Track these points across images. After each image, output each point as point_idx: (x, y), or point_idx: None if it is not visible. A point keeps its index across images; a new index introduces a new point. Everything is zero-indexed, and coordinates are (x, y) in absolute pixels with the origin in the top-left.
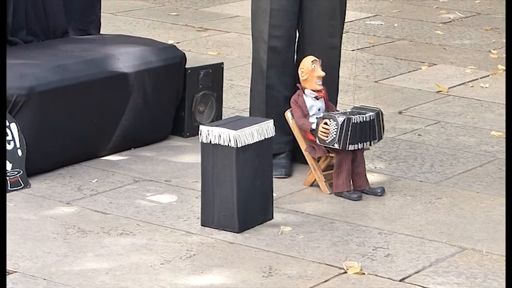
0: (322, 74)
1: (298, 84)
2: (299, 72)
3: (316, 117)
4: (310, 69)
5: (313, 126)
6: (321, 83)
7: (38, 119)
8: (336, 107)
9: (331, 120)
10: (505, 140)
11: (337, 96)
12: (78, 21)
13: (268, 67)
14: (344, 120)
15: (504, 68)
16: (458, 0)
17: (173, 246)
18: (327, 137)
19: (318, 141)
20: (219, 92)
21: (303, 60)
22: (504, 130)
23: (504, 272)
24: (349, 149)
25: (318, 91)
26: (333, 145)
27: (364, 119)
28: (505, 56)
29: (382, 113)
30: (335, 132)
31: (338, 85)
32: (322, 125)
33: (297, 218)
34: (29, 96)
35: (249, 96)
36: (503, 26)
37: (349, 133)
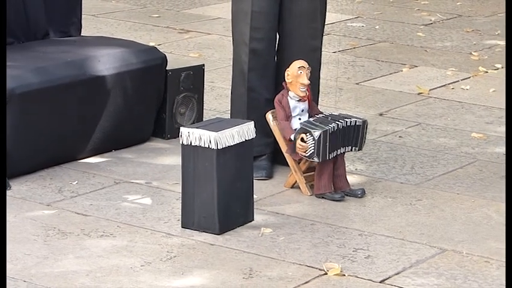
0: (307, 82)
1: (283, 84)
2: (285, 74)
3: (300, 118)
4: (295, 74)
5: (292, 137)
6: (305, 89)
7: (18, 120)
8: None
9: (307, 134)
10: (486, 141)
11: (318, 98)
12: (59, 23)
13: (250, 69)
14: (320, 134)
15: (485, 70)
16: (440, 2)
17: (153, 248)
18: (305, 152)
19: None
20: (200, 94)
21: (291, 64)
22: (485, 132)
23: (484, 273)
24: (329, 158)
25: (301, 96)
26: (312, 158)
27: (346, 124)
28: (485, 56)
29: (367, 123)
30: (313, 147)
31: (319, 87)
32: (298, 141)
33: (277, 219)
34: (9, 98)
35: (230, 98)
36: (484, 28)
37: (327, 144)
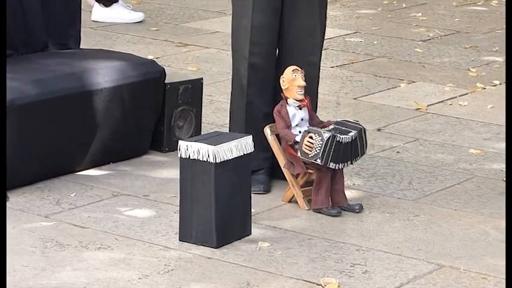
0: (303, 83)
1: (281, 94)
2: (281, 81)
3: (299, 131)
4: (290, 78)
5: (297, 138)
6: (302, 92)
7: (16, 132)
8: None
9: (316, 134)
10: (484, 157)
11: (316, 112)
12: (58, 36)
13: (249, 84)
14: (330, 136)
15: (483, 86)
16: (438, 18)
17: (151, 261)
18: (311, 151)
19: (299, 154)
20: (198, 108)
21: (285, 70)
22: (482, 148)
23: None
24: (330, 166)
25: (300, 100)
26: (315, 160)
27: (349, 139)
28: (483, 73)
29: (364, 129)
30: (319, 148)
31: (317, 102)
32: (307, 138)
33: (275, 233)
34: (8, 110)
35: (229, 112)
36: (482, 45)
37: (332, 150)
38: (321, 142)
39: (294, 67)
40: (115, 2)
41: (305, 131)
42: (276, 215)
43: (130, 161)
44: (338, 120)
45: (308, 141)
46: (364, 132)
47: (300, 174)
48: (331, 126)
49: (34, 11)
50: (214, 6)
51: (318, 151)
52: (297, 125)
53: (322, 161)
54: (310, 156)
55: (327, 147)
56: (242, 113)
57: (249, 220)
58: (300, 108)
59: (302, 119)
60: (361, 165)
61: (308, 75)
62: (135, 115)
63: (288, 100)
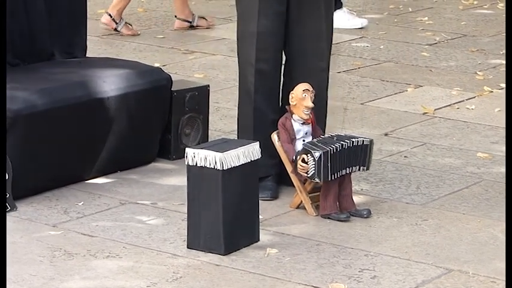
0: (311, 105)
1: (287, 107)
2: (290, 96)
3: (304, 140)
4: (300, 97)
5: (294, 156)
6: (308, 112)
7: (24, 142)
8: (324, 129)
9: (308, 155)
10: (492, 161)
11: (325, 118)
12: (64, 44)
13: (256, 90)
14: (320, 155)
15: (490, 89)
16: (444, 22)
17: (159, 268)
18: (307, 172)
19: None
20: (205, 115)
21: (296, 86)
22: (490, 152)
23: None
24: (332, 179)
25: (305, 119)
26: (313, 179)
27: (352, 144)
28: (490, 76)
29: (373, 143)
30: (313, 168)
31: (326, 107)
32: (299, 162)
33: (283, 240)
34: (15, 120)
35: (237, 119)
36: (489, 48)
37: (328, 165)
38: (313, 162)
39: (306, 86)
40: (339, 8)
41: (297, 152)
42: (284, 221)
43: (138, 169)
44: (344, 134)
45: (301, 165)
46: (370, 146)
47: (307, 180)
48: (335, 134)
49: (40, 20)
50: (220, 13)
51: (314, 171)
52: (301, 138)
53: (320, 179)
54: (308, 176)
55: (321, 165)
56: (250, 120)
57: (257, 227)
58: (304, 123)
59: (306, 133)
60: (368, 170)
61: (317, 81)
62: (142, 123)
63: (294, 116)
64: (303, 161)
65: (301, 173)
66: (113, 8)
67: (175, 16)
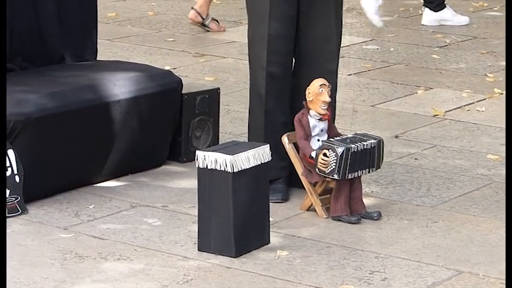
0: (328, 99)
1: (304, 102)
2: (306, 92)
3: (318, 139)
4: (317, 92)
5: (313, 154)
6: (326, 107)
7: (35, 145)
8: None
9: (330, 151)
10: (502, 163)
11: (334, 120)
12: (75, 48)
13: (267, 93)
14: (343, 151)
15: (500, 91)
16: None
17: (170, 271)
18: (326, 167)
19: (317, 171)
20: (216, 117)
21: (312, 82)
22: (500, 154)
23: None
24: (348, 177)
25: (322, 114)
26: (332, 175)
27: (364, 147)
28: (501, 78)
29: (383, 142)
30: (334, 163)
31: (335, 110)
32: (321, 156)
33: (293, 242)
34: (26, 123)
35: (247, 122)
36: (500, 50)
37: (348, 162)
38: (335, 158)
39: (322, 81)
40: (443, 8)
41: (319, 147)
42: (295, 224)
43: (149, 172)
44: (358, 132)
45: (322, 159)
46: (382, 145)
47: (317, 183)
48: (348, 136)
49: (50, 23)
50: (231, 16)
51: (334, 167)
52: (316, 135)
53: (339, 175)
54: (326, 172)
55: (342, 162)
56: (261, 123)
57: (267, 229)
58: (321, 120)
59: (322, 130)
60: (379, 172)
61: None
62: (153, 126)
63: (310, 111)
64: (325, 155)
65: (320, 167)
66: (200, 5)
67: (192, 7)
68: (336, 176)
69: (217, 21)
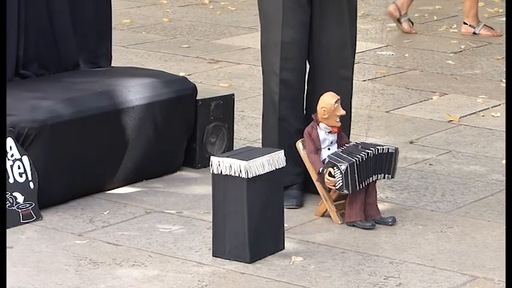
0: (343, 112)
1: (313, 116)
2: (321, 110)
3: (329, 148)
4: (332, 108)
5: (321, 169)
6: (339, 119)
7: (49, 151)
8: (348, 137)
9: (334, 168)
10: None
11: (350, 127)
12: (89, 54)
13: (280, 100)
14: (347, 167)
15: None
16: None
17: (185, 277)
18: (334, 185)
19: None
20: (230, 123)
21: (323, 99)
22: None
23: None
24: (361, 188)
25: (333, 126)
26: (342, 191)
27: (377, 152)
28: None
29: (398, 151)
30: (340, 180)
31: (351, 116)
32: (326, 176)
33: (308, 248)
34: (40, 129)
35: (261, 128)
36: None
37: (355, 176)
38: (340, 175)
39: (334, 96)
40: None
41: (325, 165)
42: (309, 229)
43: (163, 178)
44: (373, 143)
45: (328, 179)
46: (397, 155)
47: (332, 189)
48: (362, 141)
49: (65, 30)
50: (245, 23)
51: (342, 183)
52: (326, 147)
53: (349, 190)
54: (336, 188)
55: (348, 177)
56: (275, 130)
57: (282, 235)
58: (330, 132)
59: (331, 142)
60: (393, 178)
61: (341, 90)
62: (167, 132)
63: (320, 124)
64: (330, 174)
65: (328, 186)
66: (467, 14)
67: (393, 1)
68: (346, 191)
69: (411, 23)
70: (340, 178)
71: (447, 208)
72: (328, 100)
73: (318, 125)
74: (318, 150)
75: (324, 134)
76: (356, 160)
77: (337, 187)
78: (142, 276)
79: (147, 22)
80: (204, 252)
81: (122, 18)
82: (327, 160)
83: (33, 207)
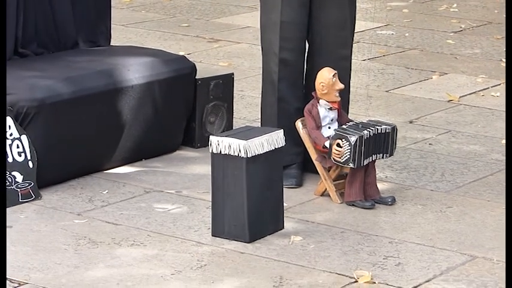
0: (342, 86)
1: (313, 93)
2: (319, 86)
3: (329, 127)
4: (331, 83)
5: (327, 144)
6: (338, 94)
7: (48, 130)
8: (347, 116)
9: (343, 140)
10: None
11: (348, 106)
12: (88, 33)
13: (280, 79)
14: (356, 139)
15: None
16: (469, 9)
17: (184, 256)
18: (341, 157)
19: (332, 160)
20: (230, 103)
21: (321, 74)
22: None
23: None
24: (364, 164)
25: (333, 102)
26: (347, 164)
27: (377, 131)
28: None
29: (397, 129)
30: (348, 153)
31: (349, 95)
32: (334, 146)
33: (307, 227)
34: (39, 108)
35: (260, 108)
36: None
37: (362, 150)
38: (349, 147)
39: (331, 71)
40: None
41: (332, 137)
42: (309, 209)
43: (162, 157)
44: (371, 119)
45: (336, 150)
46: (396, 132)
47: (332, 168)
48: (361, 121)
49: (64, 9)
50: (245, 2)
51: (349, 156)
52: (326, 125)
53: (354, 164)
54: (342, 162)
55: (357, 150)
56: (274, 109)
57: (281, 214)
58: (331, 109)
59: (332, 120)
60: (393, 157)
61: (340, 69)
62: (167, 111)
63: (320, 101)
64: (338, 145)
65: (334, 158)
66: None
67: None
68: (351, 165)
69: None
70: (349, 150)
71: (446, 188)
72: (326, 75)
73: (318, 102)
74: (318, 127)
75: (325, 111)
76: (364, 134)
77: (343, 160)
78: (142, 256)
79: (146, 1)
80: (203, 232)
81: None
82: (334, 133)
83: (32, 186)
